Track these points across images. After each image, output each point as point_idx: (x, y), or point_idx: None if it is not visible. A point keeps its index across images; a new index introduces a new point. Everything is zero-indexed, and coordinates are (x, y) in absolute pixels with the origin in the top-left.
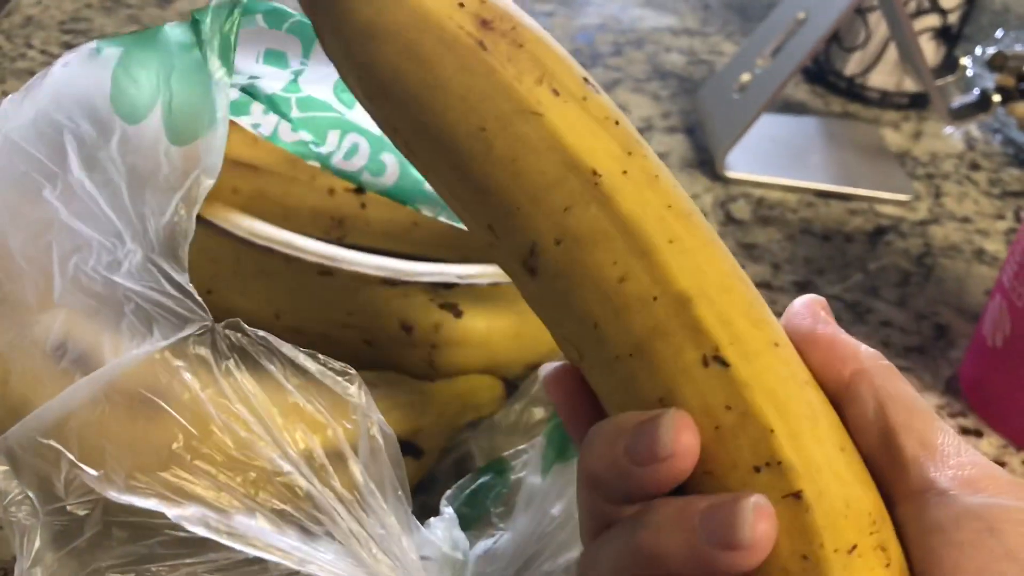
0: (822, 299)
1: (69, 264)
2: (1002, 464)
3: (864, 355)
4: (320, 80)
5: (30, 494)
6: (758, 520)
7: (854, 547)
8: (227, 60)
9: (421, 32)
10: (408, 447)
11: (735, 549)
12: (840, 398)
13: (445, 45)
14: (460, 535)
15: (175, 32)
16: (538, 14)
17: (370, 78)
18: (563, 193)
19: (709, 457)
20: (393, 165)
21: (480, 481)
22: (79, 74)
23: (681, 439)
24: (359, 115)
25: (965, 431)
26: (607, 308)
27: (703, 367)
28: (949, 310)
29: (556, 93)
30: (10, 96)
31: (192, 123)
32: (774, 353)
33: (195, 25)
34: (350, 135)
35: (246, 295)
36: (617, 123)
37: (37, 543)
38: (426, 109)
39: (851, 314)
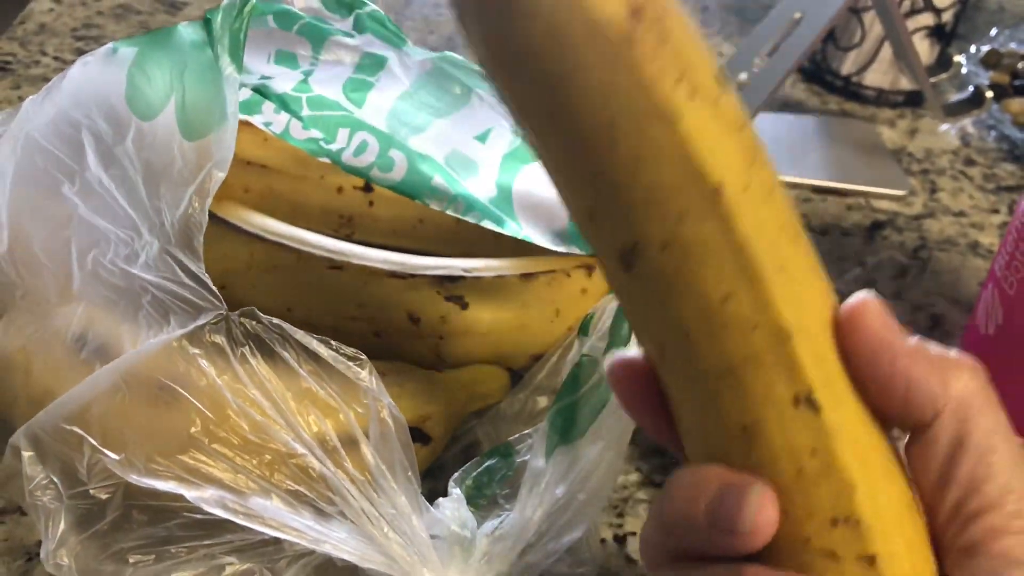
0: (882, 304)
1: (88, 258)
2: None
3: (952, 390)
4: (330, 80)
5: (54, 479)
6: None
7: None
8: (237, 57)
9: (572, 13)
10: (416, 434)
11: None
12: (915, 433)
13: (593, 31)
14: (468, 514)
15: (188, 31)
16: None
17: (506, 53)
18: (681, 201)
19: (787, 501)
20: (401, 161)
21: (486, 464)
22: (96, 73)
23: (763, 515)
24: (367, 113)
25: None
26: (703, 324)
27: (793, 406)
28: (944, 301)
29: (692, 95)
30: (31, 97)
31: (204, 119)
32: (860, 400)
33: (207, 24)
34: (359, 133)
35: (258, 290)
36: (742, 128)
37: (62, 526)
38: (558, 93)
39: None
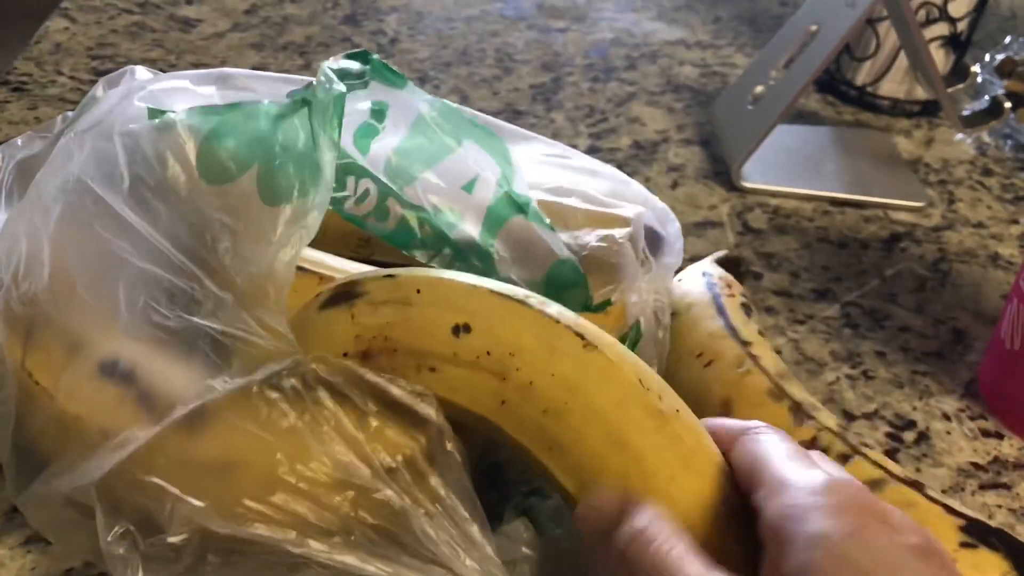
0: None
1: (138, 302)
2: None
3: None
4: (345, 128)
5: (131, 528)
6: None
7: None
8: (334, 133)
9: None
10: None
11: None
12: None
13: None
14: (534, 536)
15: (272, 108)
16: (552, 30)
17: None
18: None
19: None
20: (395, 211)
21: (531, 501)
22: (154, 133)
23: None
24: (371, 161)
25: (985, 434)
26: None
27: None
28: (966, 314)
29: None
30: (72, 135)
31: (287, 187)
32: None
33: (304, 103)
34: (363, 180)
35: None
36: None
37: (140, 574)
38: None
39: (869, 320)
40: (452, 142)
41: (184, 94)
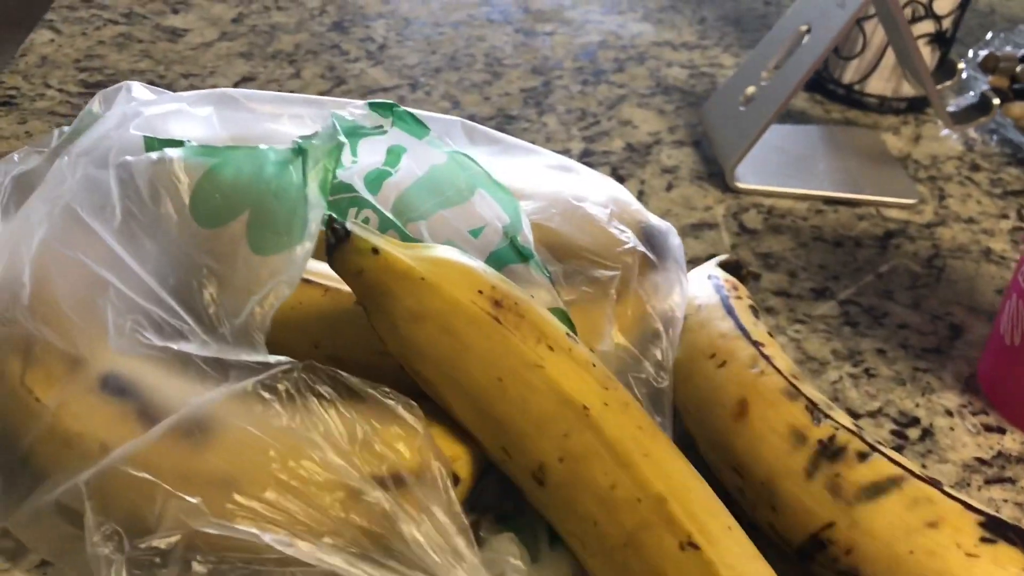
0: None
1: (125, 325)
2: None
3: None
4: (356, 171)
5: (118, 528)
6: None
7: None
8: (325, 190)
9: (453, 314)
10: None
11: None
12: None
13: (471, 322)
14: (521, 548)
15: (272, 154)
16: (539, 34)
17: (412, 347)
18: (562, 423)
19: None
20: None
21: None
22: (151, 168)
23: None
24: (380, 199)
25: (988, 429)
26: (604, 510)
27: (680, 551)
28: (962, 310)
29: (551, 348)
30: (66, 158)
31: (276, 237)
32: (729, 535)
33: (300, 152)
34: (364, 211)
35: (284, 327)
36: (594, 365)
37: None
38: (457, 367)
39: (868, 318)
40: (466, 191)
41: (181, 118)
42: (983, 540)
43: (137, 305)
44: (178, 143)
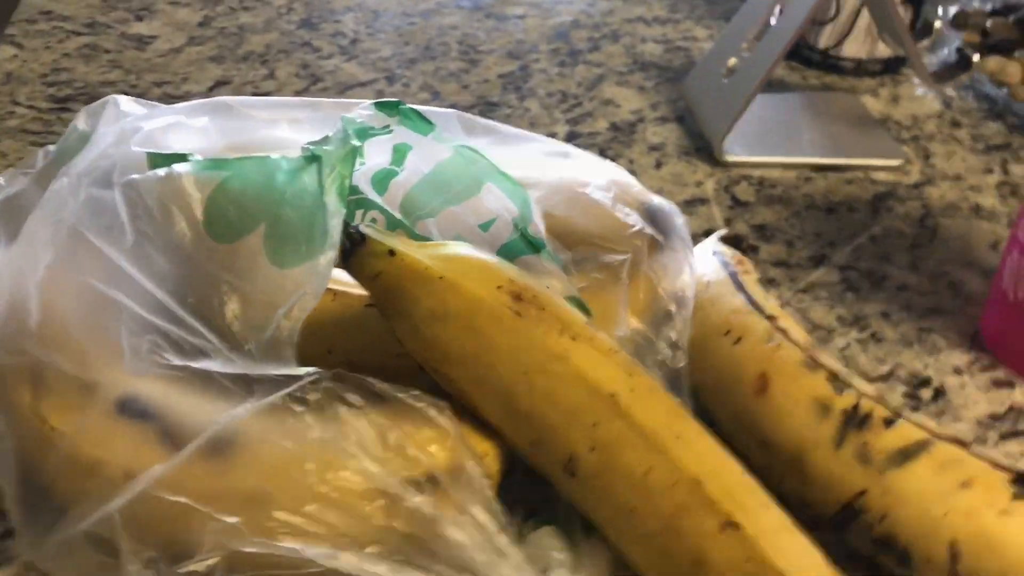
0: None
1: (142, 346)
2: None
3: None
4: (363, 172)
5: (155, 555)
6: None
7: None
8: (343, 195)
9: (475, 312)
10: None
11: None
12: None
13: (493, 318)
14: (562, 539)
15: (284, 163)
16: (511, 18)
17: (435, 348)
18: (591, 413)
19: None
20: None
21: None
22: (159, 187)
23: None
24: (387, 199)
25: (998, 384)
26: (639, 497)
27: (721, 532)
28: (959, 267)
29: (574, 339)
30: (64, 180)
31: (295, 248)
32: (768, 512)
33: (314, 159)
34: (370, 212)
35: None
36: (616, 352)
37: None
38: (482, 365)
39: (868, 282)
40: (474, 185)
41: (180, 130)
42: (1016, 497)
43: (154, 325)
44: (182, 157)
